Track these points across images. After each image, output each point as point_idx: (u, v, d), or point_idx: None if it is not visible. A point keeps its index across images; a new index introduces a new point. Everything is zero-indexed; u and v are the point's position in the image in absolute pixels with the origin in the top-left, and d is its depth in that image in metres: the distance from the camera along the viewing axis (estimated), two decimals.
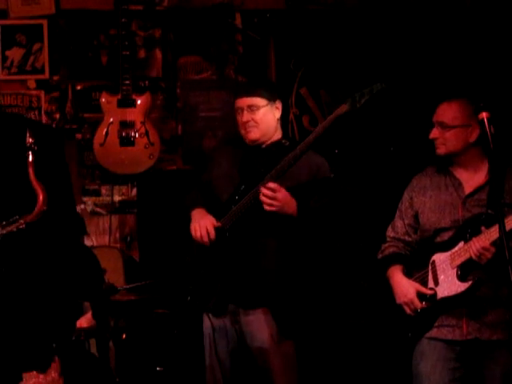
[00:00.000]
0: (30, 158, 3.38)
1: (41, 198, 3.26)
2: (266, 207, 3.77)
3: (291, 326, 3.91)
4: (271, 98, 3.96)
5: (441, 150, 3.69)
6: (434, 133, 3.70)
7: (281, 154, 3.86)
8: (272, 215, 3.79)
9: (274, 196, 3.75)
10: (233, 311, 3.93)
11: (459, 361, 3.62)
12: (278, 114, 3.99)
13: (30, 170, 3.36)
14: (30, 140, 3.37)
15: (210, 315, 3.95)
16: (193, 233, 3.91)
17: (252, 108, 3.90)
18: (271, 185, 3.76)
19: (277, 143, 3.99)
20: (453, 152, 3.68)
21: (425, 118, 3.80)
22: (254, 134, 3.93)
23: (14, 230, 3.34)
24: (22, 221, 3.30)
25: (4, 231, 3.32)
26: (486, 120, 3.23)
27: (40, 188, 3.28)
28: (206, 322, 3.99)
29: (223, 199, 3.95)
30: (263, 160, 3.93)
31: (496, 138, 3.22)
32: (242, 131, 3.96)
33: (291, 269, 3.91)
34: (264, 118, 3.93)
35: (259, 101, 3.92)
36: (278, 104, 4.00)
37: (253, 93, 3.94)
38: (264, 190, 3.76)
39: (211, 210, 3.96)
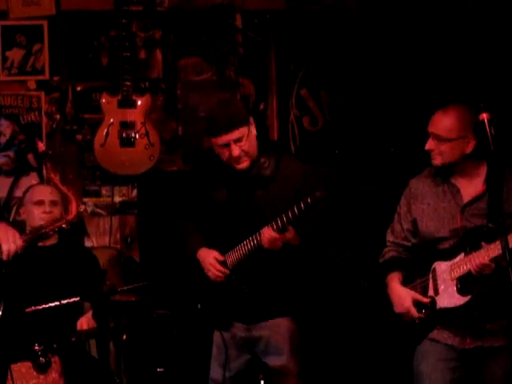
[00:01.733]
0: (48, 164, 3.59)
1: (74, 202, 3.68)
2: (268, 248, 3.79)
3: (304, 330, 3.94)
4: (247, 120, 3.86)
5: (437, 161, 3.62)
6: (430, 144, 3.62)
7: (263, 180, 3.86)
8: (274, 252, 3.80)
9: (278, 240, 3.76)
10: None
11: (460, 361, 3.59)
12: (254, 129, 3.91)
13: (53, 176, 3.62)
14: (43, 147, 3.56)
15: (221, 332, 3.94)
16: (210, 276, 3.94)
17: (239, 140, 3.81)
18: (271, 236, 3.73)
19: (257, 164, 3.91)
20: (449, 163, 3.61)
21: (425, 119, 3.77)
22: (246, 163, 3.86)
23: (56, 229, 3.73)
24: (64, 220, 3.61)
25: (51, 229, 3.61)
26: (486, 121, 3.21)
27: (72, 193, 3.58)
28: (217, 340, 3.98)
29: (221, 229, 3.95)
30: (250, 188, 3.89)
31: (495, 139, 3.20)
32: (233, 163, 3.87)
33: (293, 276, 3.93)
34: (251, 142, 3.85)
35: (242, 131, 3.81)
36: (252, 120, 3.90)
37: (234, 126, 3.80)
38: (265, 239, 3.74)
39: (210, 238, 3.99)
